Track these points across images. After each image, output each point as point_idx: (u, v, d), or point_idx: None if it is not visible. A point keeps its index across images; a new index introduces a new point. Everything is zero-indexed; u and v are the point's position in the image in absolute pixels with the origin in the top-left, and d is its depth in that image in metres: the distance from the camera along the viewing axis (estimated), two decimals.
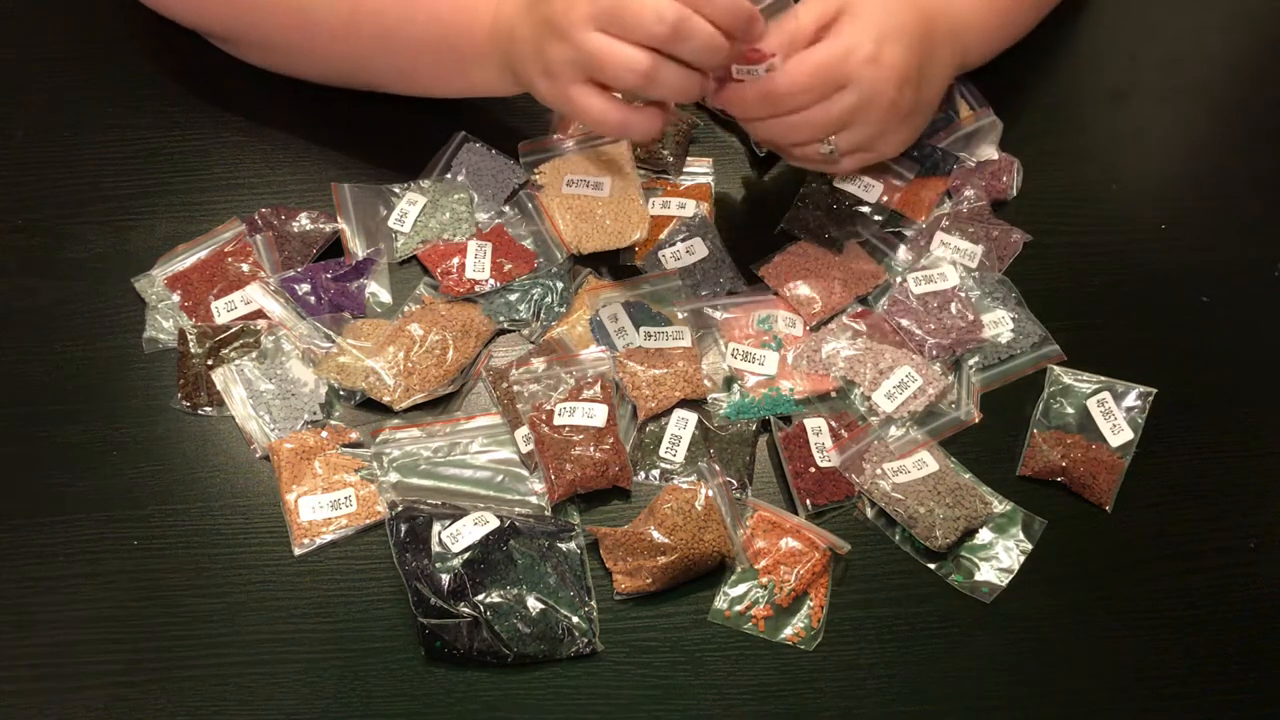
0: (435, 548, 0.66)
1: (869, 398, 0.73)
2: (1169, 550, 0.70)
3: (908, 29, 0.71)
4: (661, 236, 0.80)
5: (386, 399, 0.71)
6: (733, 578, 0.68)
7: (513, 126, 0.84)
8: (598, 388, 0.72)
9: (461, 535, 0.66)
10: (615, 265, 0.79)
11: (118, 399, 0.73)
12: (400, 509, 0.68)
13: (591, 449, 0.69)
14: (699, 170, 0.84)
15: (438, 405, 0.73)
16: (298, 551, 0.68)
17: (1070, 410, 0.74)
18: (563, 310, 0.76)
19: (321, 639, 0.66)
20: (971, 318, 0.76)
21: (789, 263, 0.78)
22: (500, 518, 0.67)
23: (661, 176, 0.83)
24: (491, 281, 0.76)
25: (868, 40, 0.69)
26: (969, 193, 0.82)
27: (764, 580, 0.68)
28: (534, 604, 0.65)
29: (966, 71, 0.83)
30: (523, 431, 0.71)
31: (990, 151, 0.83)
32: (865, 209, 0.81)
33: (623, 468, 0.70)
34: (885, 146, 0.76)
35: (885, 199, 0.81)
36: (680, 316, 0.76)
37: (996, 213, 0.82)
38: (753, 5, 0.65)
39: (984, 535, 0.70)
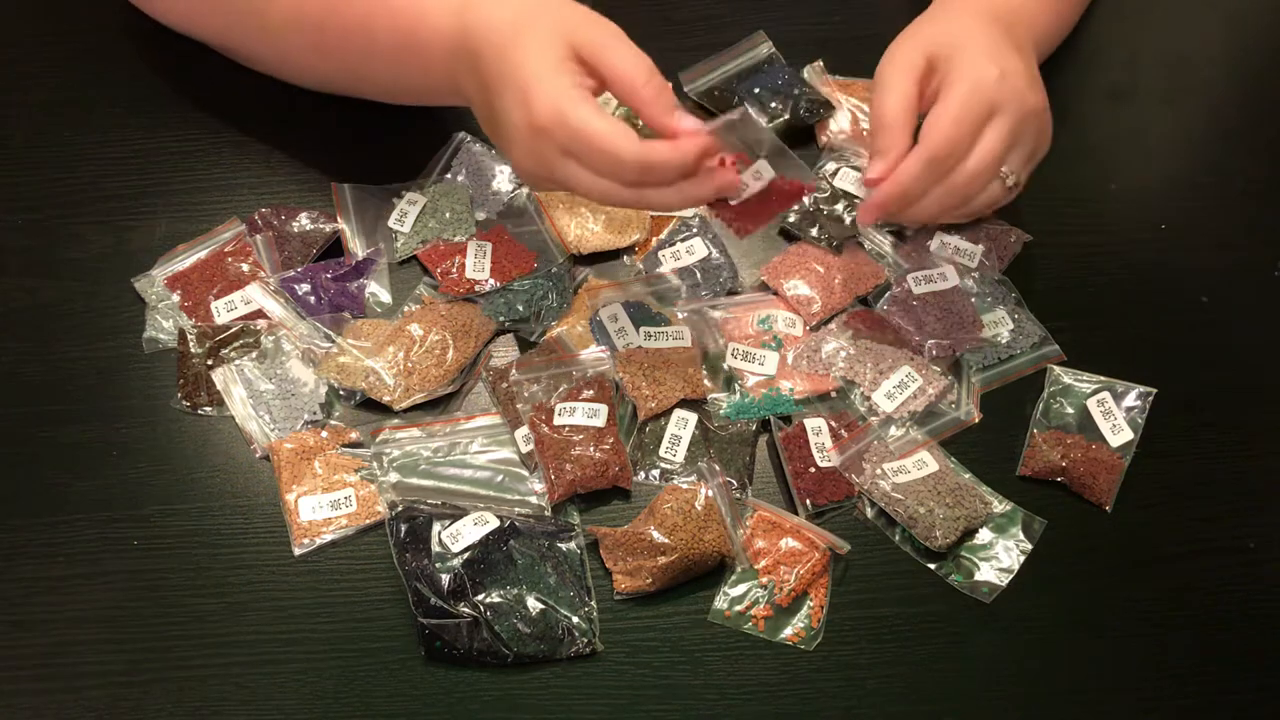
0: (435, 548, 0.66)
1: (869, 398, 0.73)
2: (1169, 550, 0.70)
3: (1001, 41, 0.71)
4: (661, 236, 0.80)
5: (386, 399, 0.71)
6: (733, 578, 0.68)
7: None
8: (598, 388, 0.72)
9: (461, 535, 0.66)
10: (615, 265, 0.79)
11: (118, 399, 0.73)
12: (400, 509, 0.68)
13: (591, 449, 0.69)
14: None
15: (438, 405, 0.73)
16: (298, 551, 0.68)
17: (1070, 410, 0.74)
18: (562, 310, 0.76)
19: (321, 639, 0.66)
20: (971, 317, 0.76)
21: (789, 263, 0.78)
22: (500, 518, 0.67)
23: None
24: (491, 281, 0.76)
25: (984, 64, 0.69)
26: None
27: (764, 580, 0.68)
28: (534, 604, 0.65)
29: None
30: (523, 431, 0.71)
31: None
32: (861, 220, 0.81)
33: (623, 468, 0.70)
34: (1041, 148, 0.75)
35: None
36: (680, 317, 0.76)
37: (996, 213, 0.82)
38: (708, 137, 0.62)
39: (984, 535, 0.70)
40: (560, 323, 0.76)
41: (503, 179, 0.82)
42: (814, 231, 0.79)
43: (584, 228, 0.78)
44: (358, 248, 0.78)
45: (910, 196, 0.69)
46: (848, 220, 0.80)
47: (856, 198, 0.81)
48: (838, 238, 0.79)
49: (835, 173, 0.82)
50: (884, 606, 0.68)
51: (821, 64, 0.87)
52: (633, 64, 0.62)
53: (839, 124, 0.85)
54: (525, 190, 0.81)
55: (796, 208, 0.80)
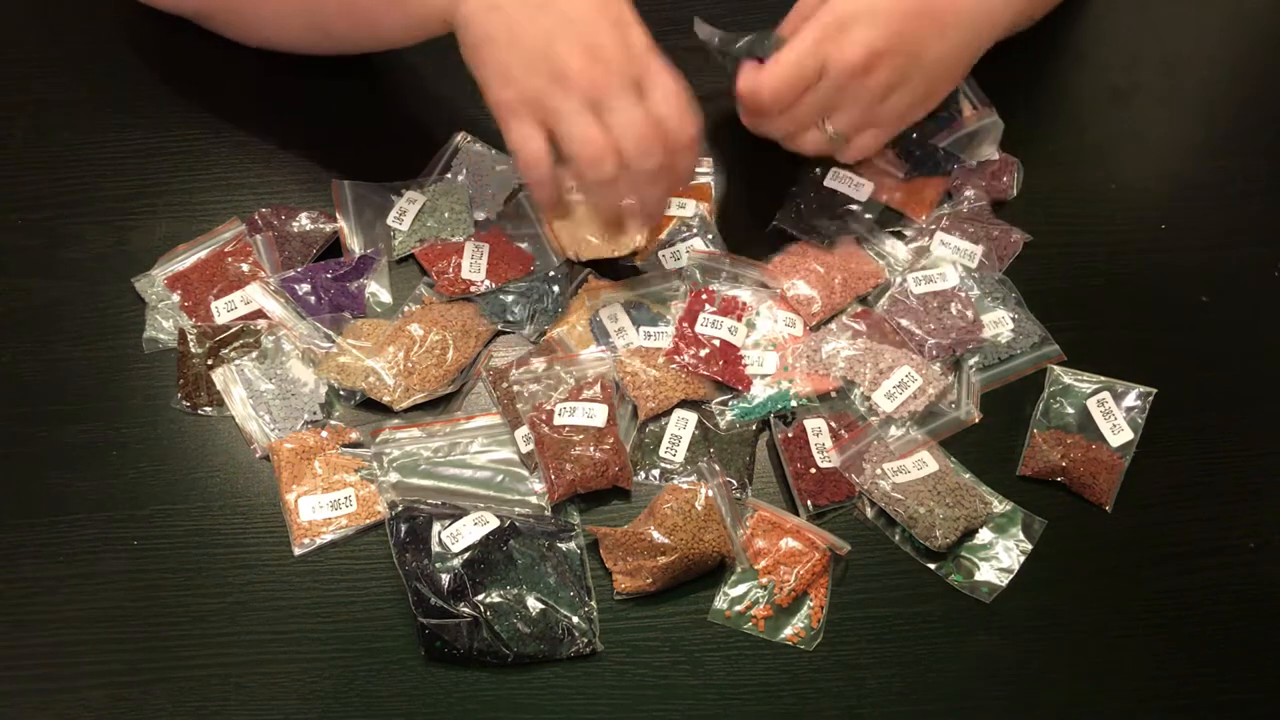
0: (435, 548, 0.66)
1: (869, 398, 0.73)
2: (1169, 550, 0.70)
3: (883, 8, 0.71)
4: (661, 236, 0.80)
5: (386, 399, 0.71)
6: (733, 578, 0.68)
7: None
8: (598, 388, 0.72)
9: (461, 535, 0.66)
10: (615, 265, 0.79)
11: (118, 399, 0.73)
12: (400, 509, 0.68)
13: (591, 449, 0.69)
14: (699, 170, 0.83)
15: (438, 405, 0.73)
16: (298, 551, 0.68)
17: (1070, 410, 0.74)
18: (557, 314, 0.76)
19: (321, 639, 0.66)
20: (971, 317, 0.76)
21: (789, 262, 0.78)
22: (500, 518, 0.67)
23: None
24: (487, 283, 0.76)
25: (832, 24, 0.70)
26: (969, 193, 0.82)
27: (764, 580, 0.68)
28: (534, 604, 0.65)
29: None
30: (523, 431, 0.71)
31: (991, 151, 0.83)
32: (855, 207, 0.81)
33: (623, 468, 0.70)
34: (888, 119, 0.76)
35: (884, 198, 0.82)
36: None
37: (996, 213, 0.82)
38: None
39: (984, 535, 0.70)
40: (560, 323, 0.76)
41: (503, 180, 0.82)
42: (805, 228, 0.80)
43: (580, 237, 0.78)
44: (356, 245, 0.78)
45: (762, 102, 0.74)
46: (842, 217, 0.80)
47: (849, 198, 0.81)
48: (829, 235, 0.79)
49: (825, 173, 0.82)
50: (884, 606, 0.68)
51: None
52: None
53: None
54: (525, 192, 0.81)
55: (787, 208, 0.80)
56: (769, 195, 0.83)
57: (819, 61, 0.71)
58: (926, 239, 0.80)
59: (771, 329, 0.76)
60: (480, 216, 0.80)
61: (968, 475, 0.72)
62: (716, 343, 0.74)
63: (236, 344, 0.74)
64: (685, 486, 0.69)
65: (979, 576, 0.69)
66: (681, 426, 0.72)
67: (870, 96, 0.73)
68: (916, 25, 0.72)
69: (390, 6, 0.73)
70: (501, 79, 0.66)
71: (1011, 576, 0.69)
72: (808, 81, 0.72)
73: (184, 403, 0.73)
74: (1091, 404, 0.74)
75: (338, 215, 0.79)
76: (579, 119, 0.64)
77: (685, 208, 0.81)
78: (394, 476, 0.70)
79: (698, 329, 0.74)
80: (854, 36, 0.70)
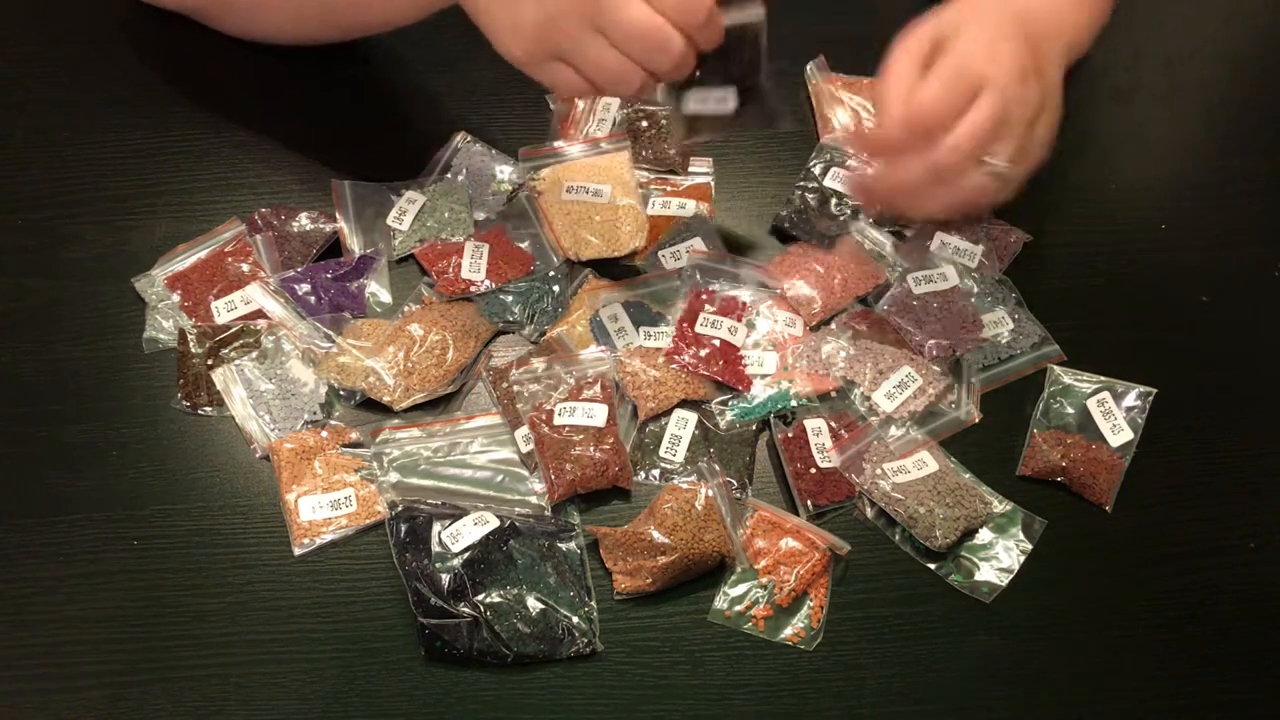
0: (435, 548, 0.66)
1: (869, 398, 0.73)
2: (1169, 550, 0.70)
3: (1008, 28, 0.71)
4: (662, 237, 0.80)
5: (386, 399, 0.71)
6: (733, 578, 0.68)
7: (513, 127, 0.84)
8: (598, 388, 0.72)
9: (461, 535, 0.66)
10: (615, 265, 0.79)
11: (118, 399, 0.73)
12: (400, 509, 0.68)
13: (591, 449, 0.69)
14: (699, 170, 0.84)
15: (438, 405, 0.73)
16: (298, 551, 0.68)
17: (1070, 410, 0.74)
18: (557, 314, 0.76)
19: (321, 639, 0.66)
20: (971, 317, 0.76)
21: (789, 262, 0.78)
22: (500, 518, 0.67)
23: (667, 175, 0.83)
24: (487, 283, 0.76)
25: (980, 44, 0.69)
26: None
27: (764, 580, 0.68)
28: (534, 604, 0.65)
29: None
30: (523, 431, 0.71)
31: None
32: (856, 205, 0.81)
33: (623, 468, 0.70)
34: (1035, 149, 0.73)
35: None
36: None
37: (996, 213, 0.82)
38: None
39: (984, 535, 0.70)
40: (560, 323, 0.76)
41: (503, 180, 0.82)
42: (806, 228, 0.79)
43: (580, 237, 0.78)
44: (356, 245, 0.78)
45: (891, 161, 0.70)
46: (842, 217, 0.80)
47: (853, 200, 0.81)
48: (829, 234, 0.79)
49: (825, 172, 0.82)
50: (884, 606, 0.68)
51: (824, 59, 0.88)
52: None
53: (839, 120, 0.85)
54: (525, 193, 0.81)
55: (787, 209, 0.80)
56: (769, 195, 0.83)
57: (974, 72, 0.68)
58: (927, 239, 0.80)
59: (771, 329, 0.76)
60: (480, 216, 0.80)
61: (968, 475, 0.72)
62: (716, 343, 0.74)
63: (236, 344, 0.74)
64: (685, 486, 0.69)
65: (979, 576, 0.69)
66: (681, 426, 0.72)
67: (1028, 120, 0.70)
68: (1033, 57, 0.71)
69: None
70: (512, 33, 0.66)
71: (1011, 576, 0.69)
72: (967, 93, 0.68)
73: (184, 403, 0.73)
74: (1091, 404, 0.74)
75: (338, 215, 0.79)
76: (585, 46, 0.65)
77: (685, 208, 0.81)
78: (394, 476, 0.70)
79: (698, 329, 0.74)
80: (1005, 53, 0.69)
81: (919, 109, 0.68)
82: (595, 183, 0.80)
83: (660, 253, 0.79)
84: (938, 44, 0.71)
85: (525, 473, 0.71)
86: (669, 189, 0.82)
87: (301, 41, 0.84)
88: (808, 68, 0.88)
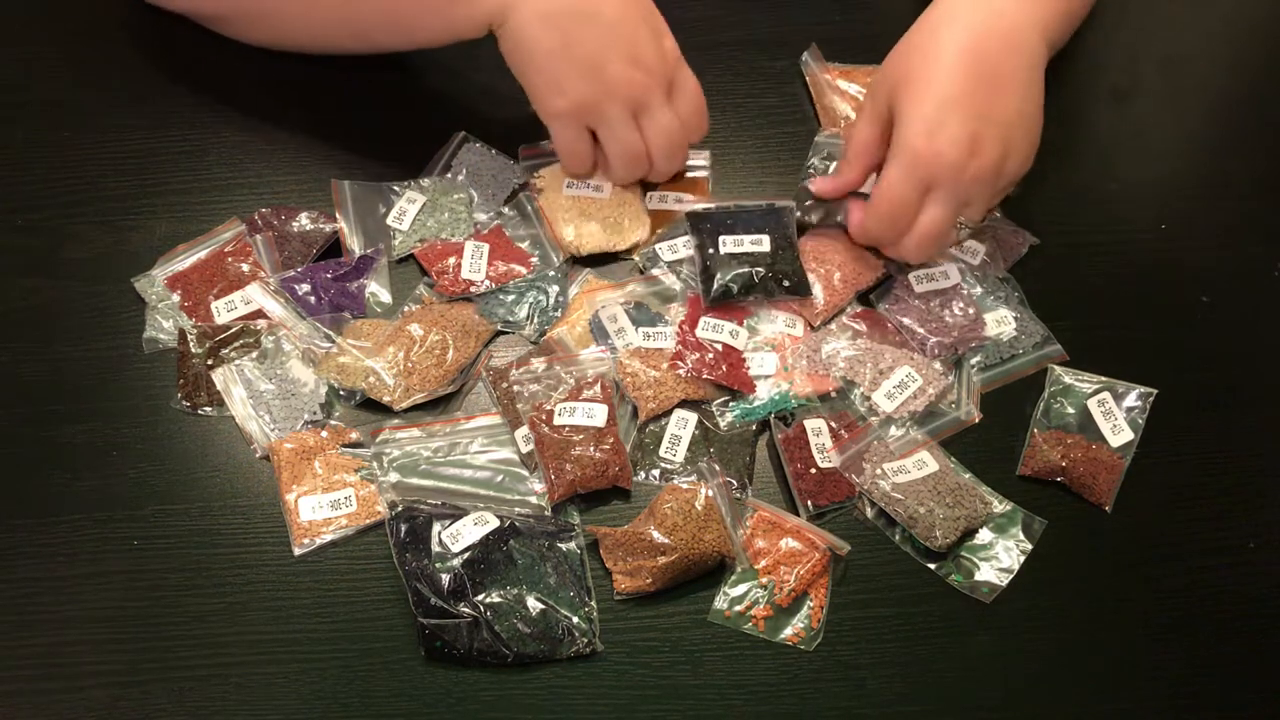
0: (435, 548, 0.66)
1: (869, 398, 0.73)
2: (1169, 550, 0.70)
3: (960, 93, 0.70)
4: (660, 232, 0.80)
5: (386, 399, 0.71)
6: (733, 578, 0.68)
7: (513, 127, 0.84)
8: (598, 388, 0.72)
9: (461, 535, 0.66)
10: (615, 264, 0.79)
11: (118, 399, 0.73)
12: (400, 509, 0.68)
13: (591, 449, 0.69)
14: (697, 164, 0.83)
15: (438, 405, 0.73)
16: (298, 551, 0.68)
17: (1071, 410, 0.74)
18: (558, 314, 0.76)
19: (321, 639, 0.66)
20: (973, 316, 0.76)
21: None
22: (500, 518, 0.67)
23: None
24: (487, 283, 0.76)
25: (922, 136, 0.69)
26: None
27: (764, 580, 0.68)
28: (534, 604, 0.65)
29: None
30: (523, 431, 0.71)
31: None
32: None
33: (623, 468, 0.70)
34: (1010, 173, 0.73)
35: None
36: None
37: (1004, 213, 0.82)
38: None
39: (984, 535, 0.70)
40: (560, 323, 0.76)
41: (503, 180, 0.82)
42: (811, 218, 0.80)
43: (583, 230, 0.78)
44: (356, 245, 0.78)
45: (877, 242, 0.76)
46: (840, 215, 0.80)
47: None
48: (820, 225, 0.80)
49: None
50: (884, 606, 0.68)
51: (817, 48, 0.88)
52: None
53: (840, 111, 0.85)
54: (525, 192, 0.81)
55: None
56: (767, 189, 0.83)
57: (925, 175, 0.70)
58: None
59: (772, 330, 0.76)
60: (480, 216, 0.80)
61: (968, 475, 0.72)
62: (719, 346, 0.74)
63: (236, 344, 0.74)
64: (685, 486, 0.69)
65: (979, 576, 0.69)
66: (681, 426, 0.72)
67: (992, 181, 0.72)
68: (988, 94, 0.70)
69: (431, 14, 0.75)
70: (554, 88, 0.72)
71: (1011, 576, 0.69)
72: (917, 202, 0.71)
73: (184, 403, 0.73)
74: (1092, 404, 0.74)
75: (338, 215, 0.79)
76: (622, 126, 0.73)
77: (684, 203, 0.81)
78: (394, 476, 0.70)
79: (699, 333, 0.74)
80: (946, 142, 0.69)
81: (879, 215, 0.73)
82: (595, 179, 0.80)
83: (658, 245, 0.79)
84: (890, 108, 0.73)
85: (525, 473, 0.71)
86: (667, 184, 0.82)
87: (323, 52, 0.84)
88: (803, 57, 0.88)
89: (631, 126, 0.73)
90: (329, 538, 0.68)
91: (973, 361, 0.76)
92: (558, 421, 0.70)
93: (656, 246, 0.79)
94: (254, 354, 0.74)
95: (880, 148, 0.74)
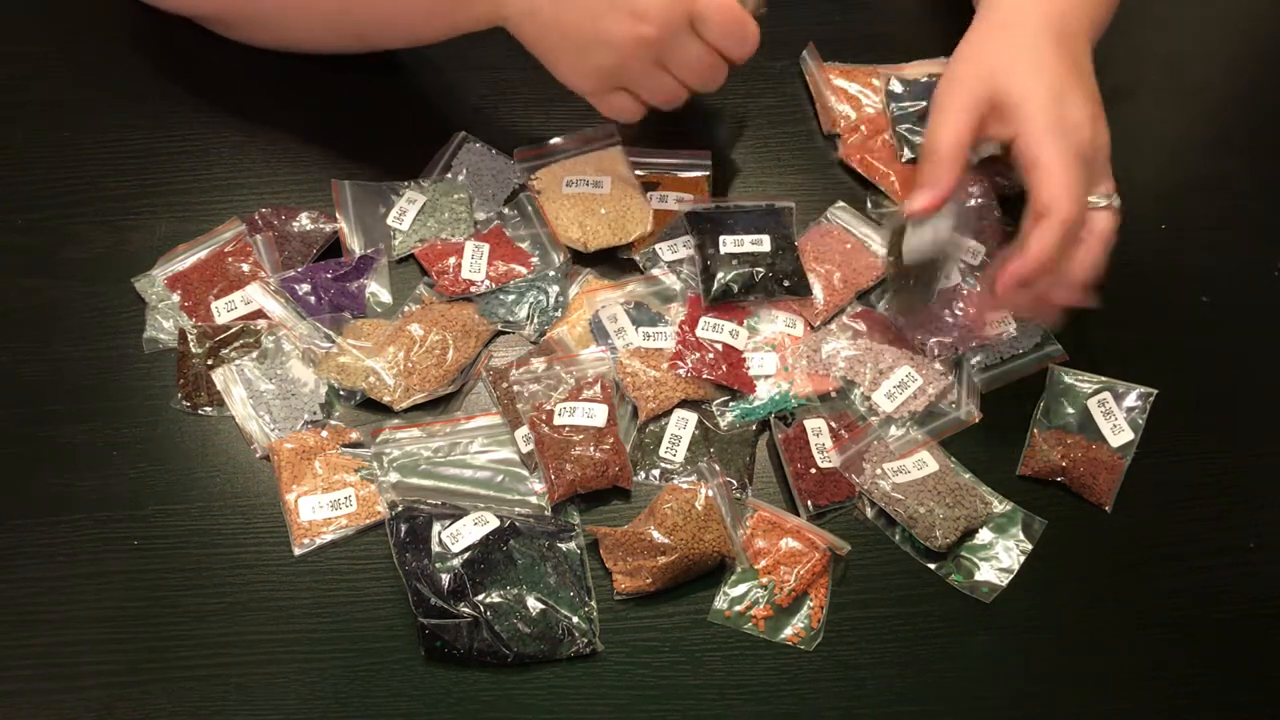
0: (435, 548, 0.66)
1: (869, 398, 0.73)
2: (1169, 550, 0.70)
3: (1068, 75, 0.70)
4: (660, 231, 0.80)
5: (386, 399, 0.71)
6: (733, 578, 0.68)
7: (513, 127, 0.84)
8: (598, 388, 0.72)
9: (461, 535, 0.66)
10: (615, 263, 0.79)
11: (118, 399, 0.73)
12: (400, 509, 0.68)
13: (591, 449, 0.69)
14: (697, 163, 0.83)
15: (438, 405, 0.73)
16: (298, 551, 0.68)
17: (1071, 410, 0.74)
18: (558, 314, 0.76)
19: (321, 639, 0.66)
20: (974, 316, 0.76)
21: None
22: (500, 518, 0.67)
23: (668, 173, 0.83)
24: (487, 283, 0.76)
25: (1073, 123, 0.68)
26: (974, 190, 0.81)
27: (764, 580, 0.68)
28: (534, 604, 0.65)
29: None
30: (523, 431, 0.71)
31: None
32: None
33: (623, 468, 0.70)
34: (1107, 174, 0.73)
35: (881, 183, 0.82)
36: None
37: (1003, 213, 0.82)
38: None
39: (984, 535, 0.70)
40: (560, 323, 0.76)
41: (503, 180, 0.82)
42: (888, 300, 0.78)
43: (587, 226, 0.78)
44: (356, 245, 0.78)
45: (1048, 268, 0.67)
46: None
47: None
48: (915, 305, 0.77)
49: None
50: (884, 606, 0.68)
51: (814, 47, 0.88)
52: None
53: (841, 110, 0.85)
54: (525, 192, 0.81)
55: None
56: (767, 188, 0.83)
57: (1082, 154, 0.68)
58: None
59: (772, 330, 0.76)
60: (480, 216, 0.80)
61: (968, 475, 0.72)
62: (719, 346, 0.74)
63: (236, 344, 0.74)
64: (685, 486, 0.69)
65: (979, 576, 0.69)
66: (681, 426, 0.72)
67: (1108, 153, 0.72)
68: (1082, 79, 0.71)
69: (434, 18, 0.75)
70: (572, 71, 0.72)
71: (1011, 576, 0.69)
72: (1087, 190, 0.69)
73: (184, 403, 0.73)
74: (1092, 404, 0.74)
75: (338, 215, 0.79)
76: (649, 78, 0.71)
77: (684, 202, 0.81)
78: (394, 476, 0.70)
79: (699, 333, 0.74)
80: (1077, 113, 0.69)
81: (1070, 218, 0.67)
82: (594, 175, 0.80)
83: (658, 246, 0.79)
84: (996, 100, 0.69)
85: (525, 473, 0.71)
86: (665, 183, 0.82)
87: (324, 53, 0.84)
88: (802, 56, 0.88)
89: (659, 74, 0.71)
90: (329, 538, 0.68)
91: (973, 361, 0.76)
92: (558, 421, 0.70)
93: (656, 246, 0.79)
94: (254, 354, 0.74)
95: (972, 142, 0.70)
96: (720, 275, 0.75)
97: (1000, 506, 0.71)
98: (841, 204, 0.82)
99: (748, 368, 0.74)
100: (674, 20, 0.68)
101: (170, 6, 0.84)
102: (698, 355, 0.73)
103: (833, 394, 0.74)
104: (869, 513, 0.70)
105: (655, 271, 0.78)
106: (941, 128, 0.70)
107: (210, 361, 0.74)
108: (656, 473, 0.71)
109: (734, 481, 0.71)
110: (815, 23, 0.91)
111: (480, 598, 0.65)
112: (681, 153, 0.83)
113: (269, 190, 0.82)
